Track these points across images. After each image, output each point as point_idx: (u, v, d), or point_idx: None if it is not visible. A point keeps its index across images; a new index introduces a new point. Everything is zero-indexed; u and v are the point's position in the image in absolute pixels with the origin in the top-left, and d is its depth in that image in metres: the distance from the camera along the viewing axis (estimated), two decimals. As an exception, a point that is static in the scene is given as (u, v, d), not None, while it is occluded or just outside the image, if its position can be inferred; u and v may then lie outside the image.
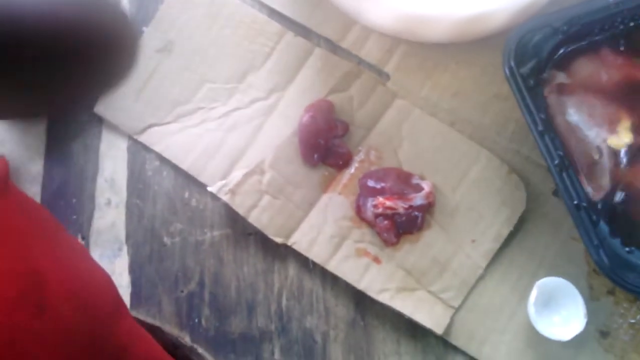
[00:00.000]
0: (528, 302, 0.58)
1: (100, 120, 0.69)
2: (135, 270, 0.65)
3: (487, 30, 0.63)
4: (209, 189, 0.64)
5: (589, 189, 0.57)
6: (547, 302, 0.59)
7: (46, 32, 0.36)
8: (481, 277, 0.61)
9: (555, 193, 0.63)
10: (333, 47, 0.68)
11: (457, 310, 0.60)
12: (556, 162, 0.57)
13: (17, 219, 0.47)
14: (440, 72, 0.67)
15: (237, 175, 0.64)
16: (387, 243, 0.62)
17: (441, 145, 0.64)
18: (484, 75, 0.66)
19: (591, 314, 0.57)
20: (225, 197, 0.63)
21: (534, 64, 0.59)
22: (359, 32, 0.68)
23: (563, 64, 0.60)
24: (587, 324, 0.57)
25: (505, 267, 0.62)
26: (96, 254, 0.65)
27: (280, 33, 0.68)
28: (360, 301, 0.62)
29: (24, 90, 0.38)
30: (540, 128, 0.57)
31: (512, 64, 0.58)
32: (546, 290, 0.58)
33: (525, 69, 0.59)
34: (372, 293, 0.61)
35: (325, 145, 0.64)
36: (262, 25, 0.69)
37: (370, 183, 0.63)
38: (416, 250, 0.62)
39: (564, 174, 0.56)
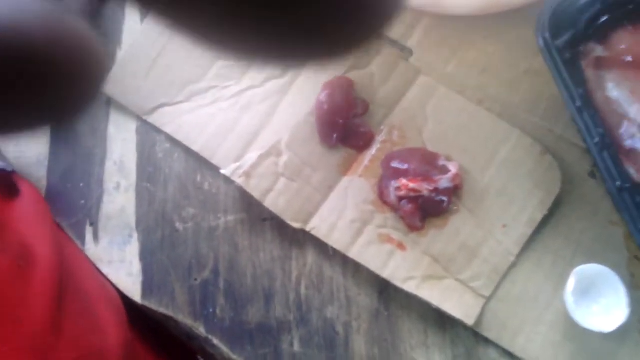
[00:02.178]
0: (565, 290, 0.55)
1: (108, 101, 0.66)
2: (146, 257, 0.62)
3: (518, 0, 0.60)
4: (222, 171, 0.61)
5: (631, 170, 0.53)
6: (586, 290, 0.55)
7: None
8: (513, 265, 0.58)
9: (592, 174, 0.59)
10: None
11: (488, 299, 0.57)
12: (596, 140, 0.53)
13: None
14: (467, 48, 0.63)
15: (251, 157, 0.61)
16: (412, 228, 0.59)
17: (468, 124, 0.61)
18: (514, 50, 0.63)
19: (635, 303, 0.54)
20: (239, 180, 0.60)
21: (571, 35, 0.55)
22: None
23: (601, 35, 0.56)
24: (630, 314, 0.53)
25: (539, 254, 0.58)
26: (105, 241, 0.63)
27: None
28: (384, 290, 0.59)
29: None
30: (578, 104, 0.53)
31: (547, 35, 0.55)
32: (584, 278, 0.55)
33: (560, 41, 0.55)
34: (397, 281, 0.58)
35: (345, 124, 0.61)
36: (277, -1, 0.65)
37: (394, 164, 0.60)
38: (443, 236, 0.59)
39: (605, 154, 0.52)
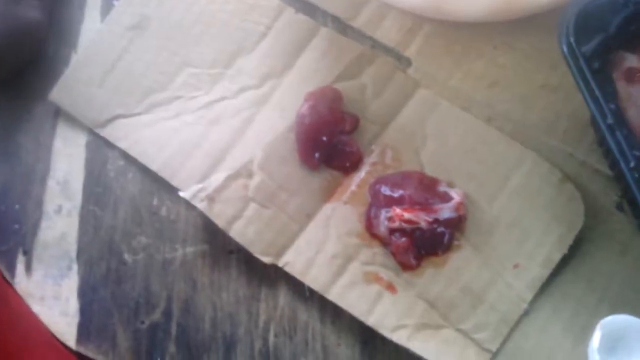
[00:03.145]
0: (589, 347, 0.46)
1: (55, 111, 0.57)
2: (86, 294, 0.53)
3: (536, 3, 0.53)
4: (180, 194, 0.52)
5: (673, 202, 0.44)
6: (614, 347, 0.47)
7: None
8: (526, 313, 0.49)
9: (620, 207, 0.51)
10: (342, 27, 0.57)
11: (495, 355, 0.49)
12: (632, 165, 0.44)
13: None
14: (474, 58, 0.56)
15: (217, 178, 0.53)
16: (405, 267, 0.50)
17: (475, 145, 0.53)
18: (528, 61, 0.55)
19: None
20: (200, 205, 0.51)
21: (599, 41, 0.47)
22: (374, 8, 0.57)
23: (636, 42, 0.48)
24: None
25: (556, 301, 0.50)
26: (39, 273, 0.53)
27: (279, 8, 0.57)
28: (369, 340, 0.50)
29: None
30: (610, 121, 0.45)
31: (572, 40, 0.47)
32: (612, 332, 0.46)
33: (587, 48, 0.47)
34: (385, 330, 0.49)
35: (329, 142, 0.53)
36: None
37: (385, 190, 0.51)
38: (442, 277, 0.50)
39: (643, 182, 0.44)
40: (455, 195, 0.50)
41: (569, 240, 0.50)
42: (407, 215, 0.49)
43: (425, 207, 0.50)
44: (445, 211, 0.50)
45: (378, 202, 0.51)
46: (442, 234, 0.50)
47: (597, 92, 0.46)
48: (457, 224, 0.50)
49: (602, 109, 0.46)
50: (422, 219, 0.49)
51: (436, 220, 0.49)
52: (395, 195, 0.51)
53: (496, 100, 0.54)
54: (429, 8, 0.54)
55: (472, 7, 0.53)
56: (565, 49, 0.47)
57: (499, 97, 0.54)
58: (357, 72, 0.55)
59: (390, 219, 0.50)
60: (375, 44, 0.56)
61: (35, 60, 0.58)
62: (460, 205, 0.50)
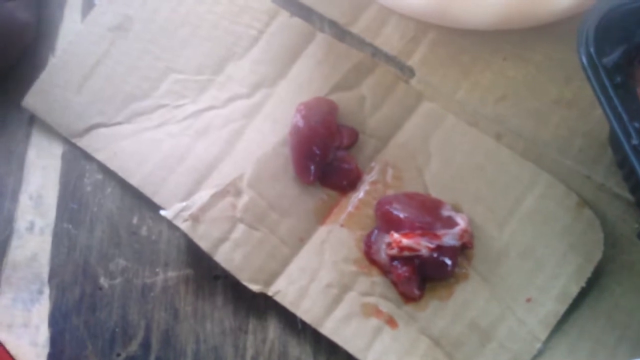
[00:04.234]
0: None
1: (30, 119, 0.53)
2: (57, 322, 0.48)
3: (550, 11, 0.49)
4: (162, 213, 0.48)
5: None
6: None
7: None
8: (539, 353, 0.45)
9: None
10: (340, 33, 0.53)
11: None
12: None
13: None
14: (482, 69, 0.51)
15: (202, 195, 0.48)
16: (407, 298, 0.46)
17: (483, 164, 0.49)
18: (541, 73, 0.51)
19: None
20: (183, 226, 0.47)
21: (622, 52, 0.43)
22: (374, 13, 0.53)
23: None
24: None
25: (573, 340, 0.45)
26: (8, 297, 0.49)
27: (272, 12, 0.53)
28: None
29: None
30: (635, 142, 0.41)
31: (592, 51, 0.42)
32: None
33: (609, 60, 0.43)
34: None
35: (324, 157, 0.48)
36: (247, 1, 0.53)
37: (387, 212, 0.47)
38: (447, 311, 0.46)
39: (671, 210, 0.39)
40: (461, 221, 0.46)
41: (587, 273, 0.45)
42: (406, 241, 0.45)
43: (427, 232, 0.45)
44: (450, 238, 0.45)
45: (378, 225, 0.47)
46: (446, 263, 0.45)
47: (619, 109, 0.42)
48: (462, 252, 0.46)
49: (625, 128, 0.42)
50: (424, 246, 0.45)
51: (439, 248, 0.45)
52: (395, 218, 0.46)
53: (506, 116, 0.50)
54: (434, 14, 0.50)
55: (480, 13, 0.49)
56: (584, 60, 0.43)
57: (508, 112, 0.50)
58: (355, 82, 0.51)
59: (389, 245, 0.46)
60: (376, 52, 0.52)
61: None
62: (465, 232, 0.45)
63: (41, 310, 0.48)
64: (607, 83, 0.42)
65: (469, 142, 0.49)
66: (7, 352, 0.47)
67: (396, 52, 0.52)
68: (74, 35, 0.54)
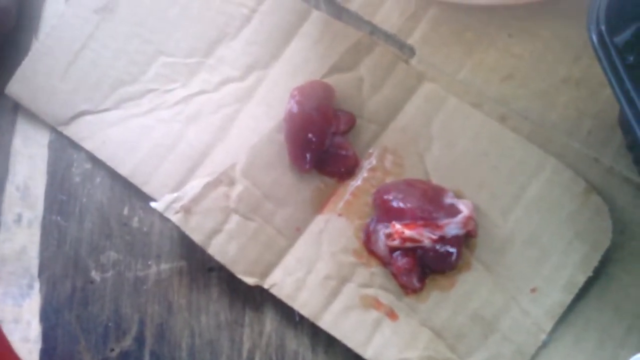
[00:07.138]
0: None
1: (14, 107, 0.51)
2: (49, 317, 0.47)
3: None
4: (152, 204, 0.46)
5: None
6: None
7: None
8: (544, 345, 0.44)
9: None
10: (337, 10, 0.51)
11: None
12: None
13: None
14: (486, 47, 0.50)
15: (194, 185, 0.47)
16: (407, 290, 0.45)
17: (487, 148, 0.47)
18: (548, 51, 0.49)
19: None
20: (175, 218, 0.46)
21: (635, 30, 0.41)
22: None
23: None
24: None
25: (579, 330, 0.44)
26: (-3, 292, 0.48)
27: None
28: None
29: None
30: (646, 126, 0.39)
31: (602, 28, 0.40)
32: None
33: (620, 38, 0.40)
34: None
35: (320, 145, 0.47)
36: (238, -22, 0.51)
37: (386, 201, 0.45)
38: (449, 302, 0.45)
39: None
40: (464, 208, 0.44)
41: (594, 261, 0.44)
42: (408, 232, 0.43)
43: (429, 222, 0.44)
44: (452, 227, 0.44)
45: (378, 214, 0.45)
46: (449, 253, 0.44)
47: (631, 90, 0.40)
48: (465, 241, 0.45)
49: (636, 110, 0.40)
50: (426, 237, 0.43)
51: (442, 238, 0.44)
52: (396, 207, 0.45)
53: (511, 96, 0.48)
54: (436, -12, 0.48)
55: (484, -13, 0.47)
56: (594, 38, 0.41)
57: (514, 92, 0.48)
58: (353, 63, 0.49)
59: (389, 235, 0.44)
60: (374, 30, 0.50)
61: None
62: (468, 221, 0.44)
63: (32, 305, 0.47)
64: (618, 63, 0.40)
65: (473, 125, 0.47)
66: (10, 347, 0.46)
67: (396, 30, 0.50)
68: (57, 18, 0.52)
